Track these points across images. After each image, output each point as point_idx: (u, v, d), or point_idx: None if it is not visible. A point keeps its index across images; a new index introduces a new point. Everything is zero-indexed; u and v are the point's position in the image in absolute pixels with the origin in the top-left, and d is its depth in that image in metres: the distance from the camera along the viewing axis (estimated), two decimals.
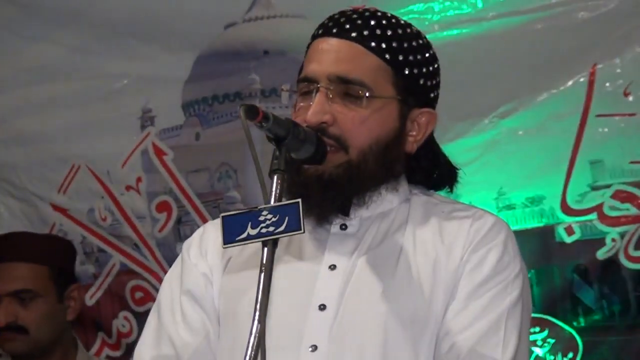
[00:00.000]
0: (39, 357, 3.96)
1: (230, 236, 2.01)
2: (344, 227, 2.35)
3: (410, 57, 2.36)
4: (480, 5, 4.02)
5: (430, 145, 2.45)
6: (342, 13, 2.40)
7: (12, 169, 4.83)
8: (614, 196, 3.86)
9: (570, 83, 3.95)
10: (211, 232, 2.45)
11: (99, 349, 4.73)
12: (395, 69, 2.34)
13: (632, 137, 3.86)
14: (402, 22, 2.40)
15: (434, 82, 2.42)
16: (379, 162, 2.32)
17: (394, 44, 2.34)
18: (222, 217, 2.03)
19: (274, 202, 2.02)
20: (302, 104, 2.34)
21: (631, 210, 3.84)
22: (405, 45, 2.36)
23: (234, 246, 2.02)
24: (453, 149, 3.94)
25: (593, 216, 3.88)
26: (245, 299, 2.27)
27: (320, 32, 2.39)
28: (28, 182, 4.80)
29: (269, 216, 1.98)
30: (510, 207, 3.99)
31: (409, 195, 2.42)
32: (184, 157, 4.58)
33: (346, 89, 2.31)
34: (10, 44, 4.78)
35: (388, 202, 2.37)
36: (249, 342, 1.93)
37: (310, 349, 2.24)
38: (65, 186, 4.74)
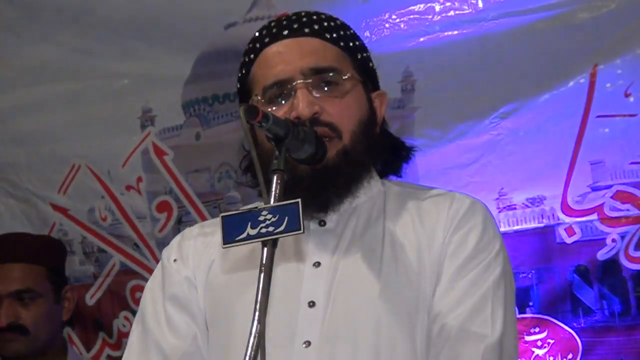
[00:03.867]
0: (34, 358, 3.96)
1: (230, 236, 2.00)
2: (322, 223, 2.36)
3: (357, 43, 2.43)
4: (481, 5, 4.02)
5: (384, 126, 2.49)
6: (280, 19, 2.42)
7: (13, 169, 4.83)
8: (615, 197, 3.86)
9: (571, 84, 3.94)
10: (190, 238, 2.46)
11: (99, 348, 4.73)
12: (351, 55, 2.40)
13: (632, 138, 3.86)
14: (332, 15, 2.45)
15: (374, 65, 2.48)
16: (364, 145, 2.35)
17: (342, 33, 2.40)
18: (222, 217, 2.02)
19: (274, 202, 2.02)
20: (276, 108, 2.32)
21: (632, 211, 3.84)
22: (349, 33, 2.43)
23: (233, 246, 2.01)
24: (454, 150, 4.01)
25: (593, 217, 3.88)
26: (235, 299, 2.28)
27: (266, 40, 2.38)
28: (28, 182, 4.80)
29: (269, 216, 1.98)
30: (510, 207, 3.99)
31: (382, 187, 2.44)
32: (185, 157, 4.58)
33: (322, 78, 2.34)
34: (10, 44, 4.78)
35: (364, 193, 2.39)
36: (248, 342, 1.92)
37: (304, 345, 2.25)
38: (65, 186, 4.74)
